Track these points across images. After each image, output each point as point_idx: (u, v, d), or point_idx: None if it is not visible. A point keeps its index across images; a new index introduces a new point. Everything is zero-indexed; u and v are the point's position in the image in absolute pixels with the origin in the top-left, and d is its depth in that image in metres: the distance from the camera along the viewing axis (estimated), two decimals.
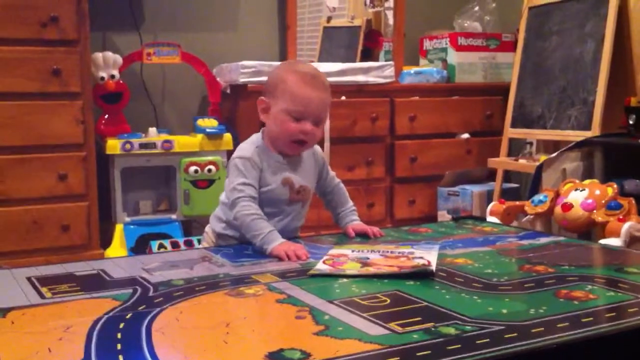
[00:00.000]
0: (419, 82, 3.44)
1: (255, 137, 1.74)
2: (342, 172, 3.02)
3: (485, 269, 1.39)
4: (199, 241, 2.69)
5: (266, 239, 1.57)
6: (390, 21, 3.72)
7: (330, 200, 1.84)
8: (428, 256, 1.46)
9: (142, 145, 2.93)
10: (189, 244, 2.75)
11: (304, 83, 1.65)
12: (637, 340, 1.05)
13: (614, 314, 1.13)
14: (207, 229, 1.81)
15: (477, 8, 3.69)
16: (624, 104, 2.69)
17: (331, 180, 1.83)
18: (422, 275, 1.34)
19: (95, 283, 1.36)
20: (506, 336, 1.00)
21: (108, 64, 2.97)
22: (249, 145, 1.71)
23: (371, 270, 1.38)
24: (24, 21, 2.65)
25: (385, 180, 3.34)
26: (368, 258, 1.47)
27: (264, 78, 3.08)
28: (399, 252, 1.51)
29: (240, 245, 1.68)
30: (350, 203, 1.84)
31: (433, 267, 1.37)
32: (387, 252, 1.53)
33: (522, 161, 3.10)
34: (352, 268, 1.40)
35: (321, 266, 1.42)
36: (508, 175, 3.42)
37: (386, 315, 1.10)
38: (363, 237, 1.77)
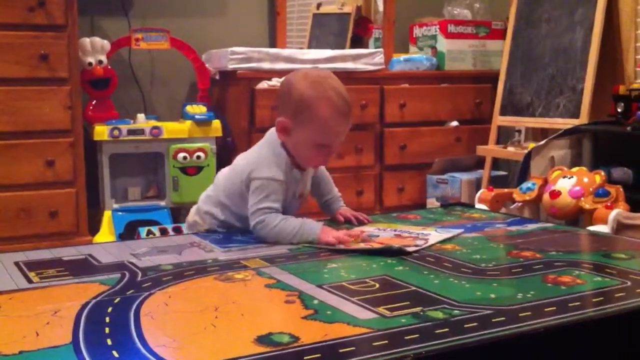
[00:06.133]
0: (408, 70, 3.44)
1: (279, 153, 1.61)
2: (332, 160, 3.00)
3: (474, 255, 1.40)
4: None
5: (306, 229, 1.52)
6: (380, 8, 3.71)
7: (316, 188, 1.81)
8: (433, 238, 1.50)
9: (131, 132, 2.91)
10: (177, 231, 2.74)
11: (336, 114, 1.55)
12: (623, 324, 1.06)
13: (601, 298, 1.14)
14: (198, 219, 1.73)
15: None
16: (612, 91, 2.70)
17: (318, 169, 1.82)
18: (394, 253, 1.38)
19: (83, 268, 1.36)
20: (494, 320, 1.00)
21: (96, 49, 2.95)
22: (276, 165, 1.59)
23: (351, 246, 1.46)
24: (12, 5, 2.62)
25: (374, 168, 3.34)
26: (378, 236, 1.53)
27: (254, 64, 3.11)
28: (416, 234, 1.55)
29: (229, 231, 1.68)
30: (336, 190, 1.83)
31: (411, 248, 1.41)
32: (405, 232, 1.57)
33: (510, 149, 3.11)
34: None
35: None
36: (497, 163, 3.43)
37: (375, 300, 1.11)
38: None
